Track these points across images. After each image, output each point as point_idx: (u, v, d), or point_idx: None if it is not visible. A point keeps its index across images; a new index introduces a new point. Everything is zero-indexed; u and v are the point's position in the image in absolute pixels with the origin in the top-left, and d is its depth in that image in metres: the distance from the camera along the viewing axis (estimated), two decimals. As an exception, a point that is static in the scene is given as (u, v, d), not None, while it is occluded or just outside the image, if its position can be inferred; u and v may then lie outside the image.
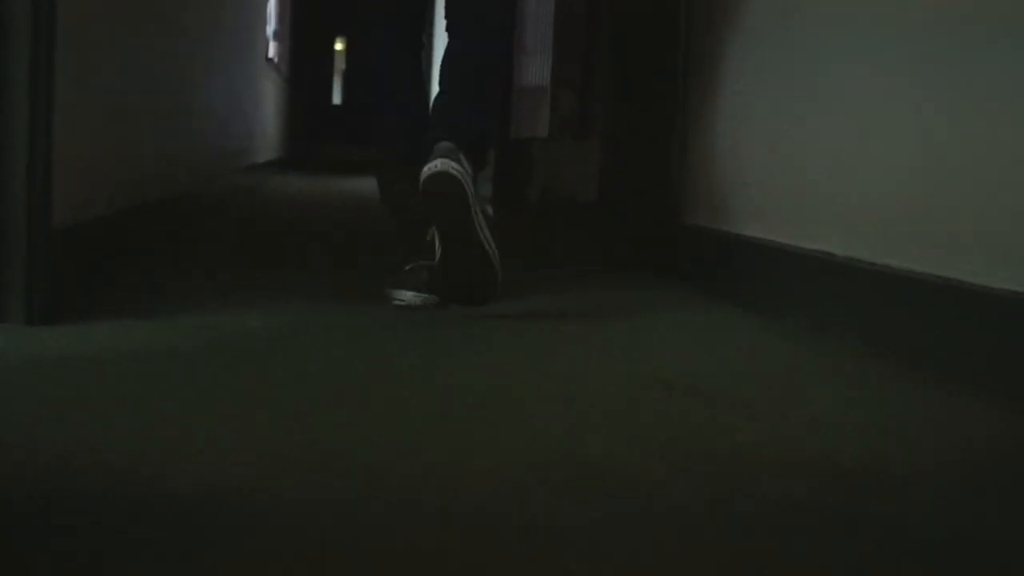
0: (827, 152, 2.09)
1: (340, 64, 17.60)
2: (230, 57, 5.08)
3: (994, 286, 1.55)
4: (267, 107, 8.07)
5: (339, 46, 17.61)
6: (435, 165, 2.04)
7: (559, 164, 4.52)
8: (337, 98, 16.39)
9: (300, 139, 12.40)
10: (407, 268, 2.26)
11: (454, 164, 2.04)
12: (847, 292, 1.94)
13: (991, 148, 1.59)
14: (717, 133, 2.66)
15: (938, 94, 1.72)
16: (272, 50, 8.58)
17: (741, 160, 2.52)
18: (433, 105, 2.33)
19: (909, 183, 1.79)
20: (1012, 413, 1.44)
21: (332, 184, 8.16)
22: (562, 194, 4.40)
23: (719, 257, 2.57)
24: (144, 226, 2.80)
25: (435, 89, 2.34)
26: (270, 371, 1.57)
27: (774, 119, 2.35)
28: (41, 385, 1.42)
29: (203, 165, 4.18)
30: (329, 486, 1.05)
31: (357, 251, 3.36)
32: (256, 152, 7.13)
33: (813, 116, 2.16)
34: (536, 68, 4.72)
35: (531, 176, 5.15)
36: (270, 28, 8.40)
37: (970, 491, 1.14)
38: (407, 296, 2.23)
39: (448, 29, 2.35)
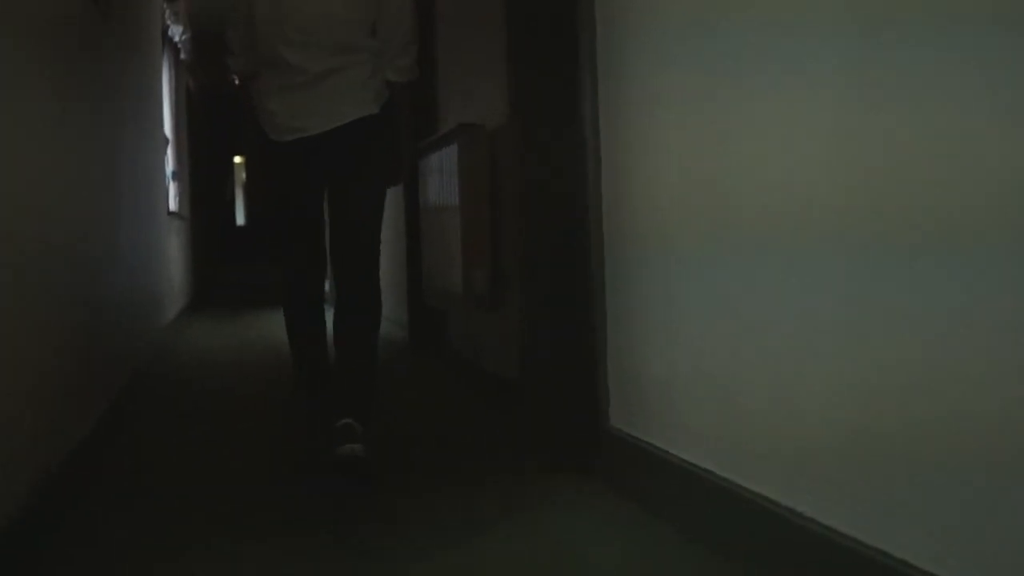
0: (762, 376, 2.03)
1: (241, 174, 17.46)
2: (134, 234, 4.95)
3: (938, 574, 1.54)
4: (174, 262, 7.94)
5: (238, 159, 17.46)
6: (344, 450, 2.79)
7: (476, 333, 4.49)
8: (241, 218, 16.18)
9: (207, 272, 12.23)
10: (339, 424, 2.84)
11: (358, 447, 2.80)
12: (795, 549, 1.87)
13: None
14: (642, 333, 2.61)
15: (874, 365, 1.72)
16: (173, 197, 8.43)
17: (671, 370, 2.44)
18: (334, 369, 3.00)
19: (851, 433, 1.78)
20: None
21: (247, 329, 8.03)
22: (479, 366, 4.35)
23: (652, 475, 2.47)
24: (56, 500, 2.67)
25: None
26: None
27: (706, 328, 2.28)
28: None
29: (117, 369, 4.06)
30: None
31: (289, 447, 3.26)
32: (167, 309, 6.99)
33: (748, 336, 2.10)
34: (439, 188, 4.68)
35: (447, 338, 5.12)
36: (169, 170, 8.23)
37: None
38: (357, 448, 2.79)
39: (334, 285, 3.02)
